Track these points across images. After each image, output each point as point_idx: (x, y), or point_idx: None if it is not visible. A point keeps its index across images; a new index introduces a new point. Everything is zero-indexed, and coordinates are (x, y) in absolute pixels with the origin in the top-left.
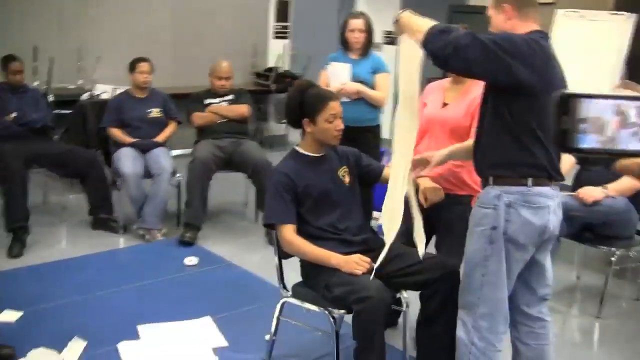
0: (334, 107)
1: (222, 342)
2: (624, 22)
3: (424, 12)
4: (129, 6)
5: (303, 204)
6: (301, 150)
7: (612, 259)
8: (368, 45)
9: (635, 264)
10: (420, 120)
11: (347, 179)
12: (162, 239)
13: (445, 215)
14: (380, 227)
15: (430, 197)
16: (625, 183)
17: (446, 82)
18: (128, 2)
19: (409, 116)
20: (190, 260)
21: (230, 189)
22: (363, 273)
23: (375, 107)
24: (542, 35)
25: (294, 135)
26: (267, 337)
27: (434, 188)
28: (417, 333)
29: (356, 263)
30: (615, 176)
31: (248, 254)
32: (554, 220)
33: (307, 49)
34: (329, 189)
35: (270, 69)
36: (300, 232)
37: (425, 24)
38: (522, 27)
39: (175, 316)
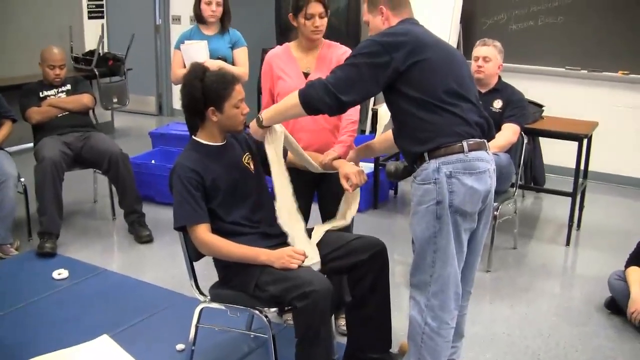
0: (240, 90)
1: None
2: None
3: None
4: None
5: (212, 199)
6: (202, 141)
7: (496, 213)
8: (225, 19)
9: (510, 215)
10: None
11: (252, 166)
12: (16, 253)
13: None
14: None
15: (356, 181)
16: (503, 138)
17: (291, 48)
18: None
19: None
20: (60, 274)
21: (73, 186)
22: (299, 266)
23: None
24: (412, 22)
25: (119, 121)
26: (179, 347)
27: (358, 171)
28: (348, 318)
29: (290, 257)
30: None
31: (118, 256)
32: (493, 184)
33: (125, 27)
34: (237, 180)
35: (91, 52)
36: (213, 230)
37: (288, 99)
38: (396, 20)
39: (66, 341)
